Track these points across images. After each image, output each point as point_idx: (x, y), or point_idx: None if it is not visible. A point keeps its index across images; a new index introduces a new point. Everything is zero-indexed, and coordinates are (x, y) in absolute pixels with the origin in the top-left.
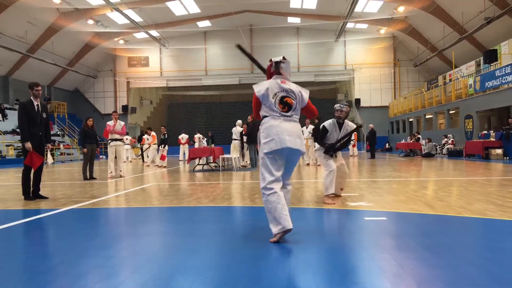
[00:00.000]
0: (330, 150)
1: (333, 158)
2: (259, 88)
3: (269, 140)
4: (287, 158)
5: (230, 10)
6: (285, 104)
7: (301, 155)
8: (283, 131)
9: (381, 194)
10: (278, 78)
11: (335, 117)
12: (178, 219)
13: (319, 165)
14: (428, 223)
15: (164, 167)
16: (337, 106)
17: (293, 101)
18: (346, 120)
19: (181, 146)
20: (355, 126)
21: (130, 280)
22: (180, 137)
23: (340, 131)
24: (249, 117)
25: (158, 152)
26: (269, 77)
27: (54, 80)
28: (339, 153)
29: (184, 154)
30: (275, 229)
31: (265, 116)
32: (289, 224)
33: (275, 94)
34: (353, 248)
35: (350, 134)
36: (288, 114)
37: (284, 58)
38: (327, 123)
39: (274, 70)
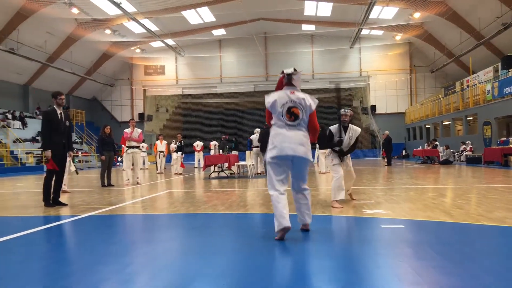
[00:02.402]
0: (339, 145)
1: (342, 163)
2: (269, 99)
3: (272, 147)
4: (294, 164)
5: (245, 18)
6: (291, 114)
7: (308, 162)
8: (285, 139)
9: (398, 202)
10: (288, 89)
11: (341, 121)
12: (195, 226)
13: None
14: (446, 231)
15: (180, 174)
16: (341, 111)
17: (299, 111)
18: (350, 124)
19: (196, 153)
20: (359, 130)
21: (148, 286)
22: (195, 144)
23: (346, 133)
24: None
25: (167, 161)
26: (281, 87)
27: (73, 89)
28: (349, 158)
29: (199, 161)
30: (275, 228)
31: (273, 125)
32: (286, 223)
33: (283, 104)
34: (370, 256)
35: (357, 139)
36: (294, 123)
37: (295, 69)
38: (333, 128)
39: (286, 81)
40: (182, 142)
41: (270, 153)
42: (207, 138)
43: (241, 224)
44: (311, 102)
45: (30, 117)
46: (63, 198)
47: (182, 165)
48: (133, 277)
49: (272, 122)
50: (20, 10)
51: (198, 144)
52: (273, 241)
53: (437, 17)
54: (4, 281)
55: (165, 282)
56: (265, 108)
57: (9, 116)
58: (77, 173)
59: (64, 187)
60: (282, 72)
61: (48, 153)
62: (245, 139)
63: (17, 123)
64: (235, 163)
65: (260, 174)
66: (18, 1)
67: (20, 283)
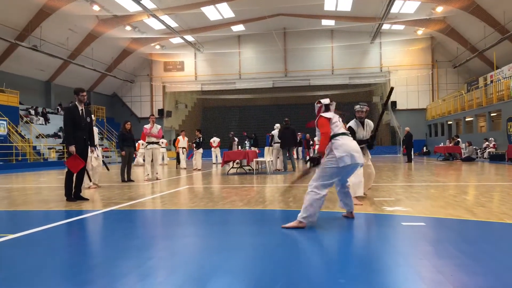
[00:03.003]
0: (371, 142)
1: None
2: (327, 115)
3: (345, 155)
4: (351, 168)
5: (264, 14)
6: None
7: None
8: (353, 149)
9: (419, 199)
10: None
11: (357, 117)
12: (214, 222)
13: None
14: (468, 229)
15: (199, 170)
16: (357, 107)
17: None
18: (366, 119)
19: (212, 149)
20: (373, 125)
21: (168, 280)
22: (211, 140)
23: (363, 128)
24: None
25: (187, 157)
26: (319, 113)
27: (94, 85)
28: (368, 154)
29: (216, 157)
30: (302, 219)
31: (337, 134)
32: (313, 223)
33: (338, 119)
34: (391, 254)
35: (378, 124)
36: (347, 132)
37: (330, 100)
38: (352, 123)
39: (325, 110)
40: (201, 138)
41: (341, 162)
42: (226, 134)
43: (260, 220)
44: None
45: (52, 113)
46: (94, 192)
47: (189, 158)
48: (153, 271)
49: (334, 132)
50: (43, 8)
51: (215, 140)
52: (291, 238)
53: (460, 11)
54: (29, 273)
55: (184, 276)
56: (320, 120)
57: (32, 112)
58: (107, 169)
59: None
60: (319, 102)
61: (72, 148)
62: (263, 135)
63: (40, 119)
64: (254, 159)
65: (278, 170)
66: None
67: (43, 275)
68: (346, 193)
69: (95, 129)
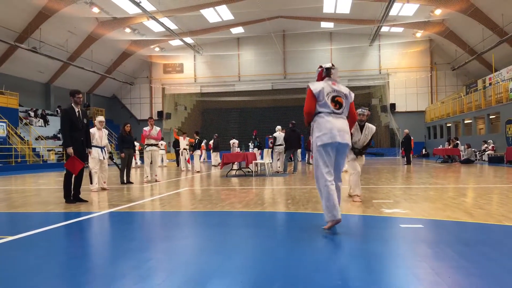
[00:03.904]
0: (355, 149)
1: (357, 160)
2: (315, 87)
3: (322, 134)
4: (338, 152)
5: (263, 16)
6: (336, 103)
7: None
8: (334, 127)
9: (417, 201)
10: (329, 80)
11: (358, 120)
12: (213, 223)
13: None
14: (466, 231)
15: (198, 172)
16: (359, 110)
17: (343, 100)
18: (367, 123)
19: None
20: (374, 128)
21: (166, 282)
22: (211, 142)
23: (361, 132)
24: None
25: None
26: (320, 80)
27: (93, 87)
28: (363, 156)
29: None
30: (327, 217)
31: (319, 113)
32: (338, 215)
33: (328, 93)
34: (389, 256)
35: (371, 138)
36: (339, 111)
37: (333, 64)
38: None
39: (325, 75)
40: (197, 140)
41: (319, 140)
42: (226, 136)
43: (258, 222)
44: (351, 93)
45: (51, 115)
46: (93, 194)
47: (188, 161)
48: (152, 272)
49: (317, 109)
50: (43, 10)
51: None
52: (289, 239)
53: (458, 14)
54: (26, 275)
55: (183, 278)
56: (306, 96)
57: (32, 114)
58: (119, 168)
59: (103, 185)
60: (320, 67)
61: (70, 149)
62: (263, 137)
63: (39, 121)
64: (253, 161)
65: (278, 172)
66: (41, 1)
67: (42, 277)
68: (336, 188)
69: (105, 132)
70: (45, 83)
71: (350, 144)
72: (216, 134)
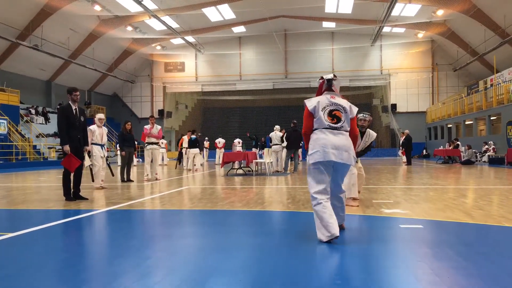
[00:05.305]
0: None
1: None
2: (311, 103)
3: (314, 151)
4: (335, 170)
5: (265, 15)
6: (333, 117)
7: (349, 167)
8: (328, 144)
9: (417, 202)
10: (328, 93)
11: (358, 126)
12: (213, 222)
13: None
14: (466, 232)
15: (197, 170)
16: (360, 115)
17: (341, 113)
18: (368, 129)
19: (217, 150)
20: (375, 135)
21: (166, 280)
22: (216, 141)
23: (362, 138)
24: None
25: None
26: (320, 93)
27: (94, 85)
28: (359, 159)
29: (219, 157)
30: (323, 237)
31: (315, 129)
32: (336, 232)
33: (324, 107)
34: (388, 256)
35: (370, 145)
36: (337, 126)
37: (334, 75)
38: None
39: (327, 87)
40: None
41: (311, 159)
42: (226, 136)
43: (258, 221)
44: (352, 107)
45: (52, 112)
46: (94, 192)
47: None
48: (151, 271)
49: (315, 127)
50: (44, 7)
51: (220, 141)
52: (289, 238)
53: (460, 15)
54: (27, 272)
55: (182, 276)
56: (304, 115)
57: (33, 111)
58: (112, 174)
59: (102, 183)
60: (322, 78)
61: (66, 147)
62: (264, 136)
63: (40, 118)
64: (253, 161)
65: (278, 172)
66: None
67: (42, 274)
68: (335, 203)
69: (105, 129)
70: (47, 80)
71: (352, 162)
72: (200, 134)
